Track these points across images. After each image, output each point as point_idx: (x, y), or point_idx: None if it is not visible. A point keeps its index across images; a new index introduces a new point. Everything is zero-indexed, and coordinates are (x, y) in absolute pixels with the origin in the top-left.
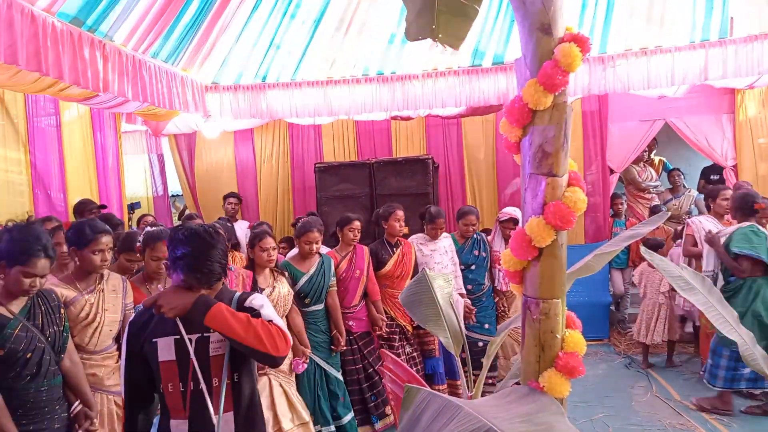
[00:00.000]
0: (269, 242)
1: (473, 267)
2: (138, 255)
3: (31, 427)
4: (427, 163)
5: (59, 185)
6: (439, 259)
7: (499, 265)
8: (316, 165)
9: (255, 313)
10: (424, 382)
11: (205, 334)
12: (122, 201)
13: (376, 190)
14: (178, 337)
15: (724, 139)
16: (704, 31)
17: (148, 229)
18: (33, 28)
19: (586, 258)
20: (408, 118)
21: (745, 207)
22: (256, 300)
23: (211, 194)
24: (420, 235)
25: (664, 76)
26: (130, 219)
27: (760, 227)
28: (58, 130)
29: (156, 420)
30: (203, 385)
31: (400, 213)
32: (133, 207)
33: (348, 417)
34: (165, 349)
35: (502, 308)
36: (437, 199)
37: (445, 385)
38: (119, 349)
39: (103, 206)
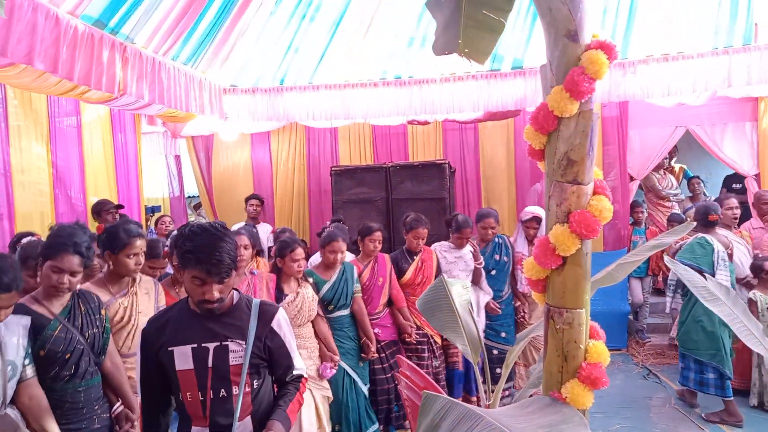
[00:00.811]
0: (300, 253)
1: (493, 272)
2: (162, 261)
3: (70, 427)
4: (443, 167)
5: (79, 185)
6: (464, 266)
7: (523, 266)
8: (332, 168)
9: (288, 364)
10: (441, 390)
11: (223, 343)
12: (140, 202)
13: (392, 194)
14: (195, 345)
15: (747, 147)
16: (728, 37)
17: (175, 233)
18: (56, 31)
19: (608, 267)
20: (425, 123)
21: (703, 219)
22: (284, 329)
23: (228, 196)
24: (445, 242)
25: (686, 83)
26: (148, 221)
27: (711, 239)
28: (79, 130)
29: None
30: (224, 393)
31: (423, 231)
32: (153, 210)
33: (372, 429)
34: (182, 357)
35: (522, 314)
36: (453, 204)
37: (461, 398)
38: None
39: (120, 206)
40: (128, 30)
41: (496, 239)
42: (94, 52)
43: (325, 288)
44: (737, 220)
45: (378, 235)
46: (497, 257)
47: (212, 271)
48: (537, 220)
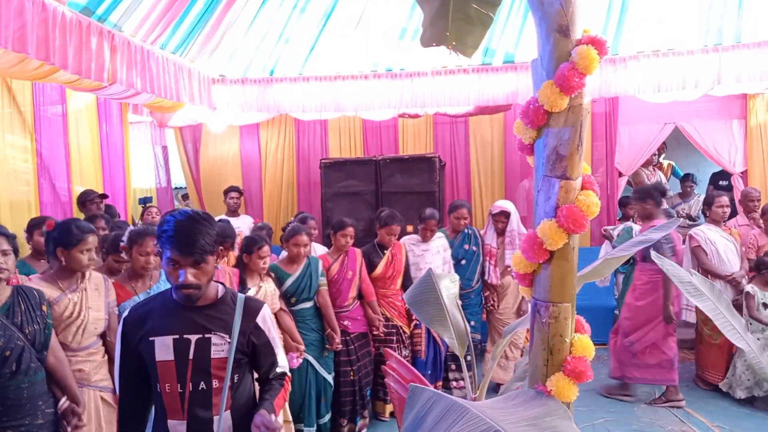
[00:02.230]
0: (266, 250)
1: (462, 261)
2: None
3: (12, 424)
4: (433, 161)
5: (64, 175)
6: (431, 259)
7: (491, 258)
8: (322, 161)
9: (272, 357)
10: (427, 382)
11: (206, 336)
12: (127, 192)
13: (381, 188)
14: (176, 336)
15: (735, 144)
16: (718, 35)
17: (131, 228)
18: (43, 16)
19: (595, 262)
20: (416, 116)
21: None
22: (268, 324)
23: (215, 187)
24: (413, 236)
25: (676, 79)
26: (134, 212)
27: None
28: (64, 119)
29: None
30: (203, 386)
31: (396, 228)
32: (145, 201)
33: (326, 417)
34: (162, 348)
35: (492, 303)
36: (443, 198)
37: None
38: (105, 345)
39: (105, 195)
40: (116, 18)
41: (466, 230)
42: (82, 39)
43: (289, 282)
44: (726, 217)
45: (350, 230)
46: (466, 247)
47: (183, 251)
48: (505, 214)
